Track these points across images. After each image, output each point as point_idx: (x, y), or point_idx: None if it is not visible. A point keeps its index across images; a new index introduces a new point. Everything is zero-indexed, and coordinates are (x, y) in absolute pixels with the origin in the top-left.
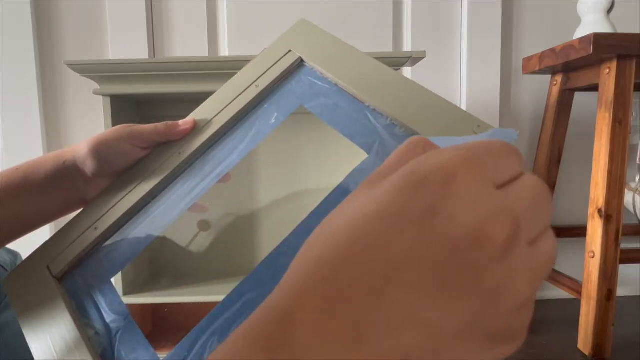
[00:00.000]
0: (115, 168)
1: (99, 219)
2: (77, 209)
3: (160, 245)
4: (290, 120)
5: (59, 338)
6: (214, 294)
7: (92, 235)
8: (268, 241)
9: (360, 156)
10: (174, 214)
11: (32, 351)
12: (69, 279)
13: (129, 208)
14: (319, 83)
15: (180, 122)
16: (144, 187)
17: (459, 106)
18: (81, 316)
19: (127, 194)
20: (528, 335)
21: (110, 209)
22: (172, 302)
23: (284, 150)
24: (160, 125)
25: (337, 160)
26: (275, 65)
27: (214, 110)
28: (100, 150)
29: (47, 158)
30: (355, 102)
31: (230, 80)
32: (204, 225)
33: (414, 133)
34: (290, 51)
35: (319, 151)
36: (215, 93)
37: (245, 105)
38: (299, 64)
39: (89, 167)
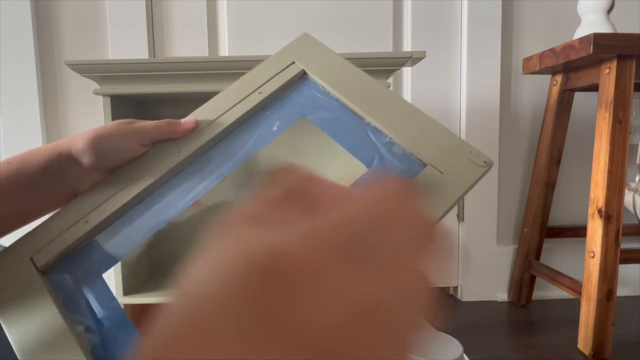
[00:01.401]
0: (112, 164)
1: (90, 212)
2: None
3: (159, 245)
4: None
5: (44, 334)
6: None
7: (82, 228)
8: None
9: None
10: (171, 213)
11: (13, 347)
12: (55, 272)
13: (124, 203)
14: (321, 97)
15: (182, 120)
16: (140, 184)
17: (455, 133)
18: (69, 312)
19: (121, 189)
20: (528, 335)
21: (103, 202)
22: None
23: (285, 153)
24: (162, 122)
25: (338, 162)
26: (278, 75)
27: (215, 112)
28: (102, 144)
29: (40, 150)
30: (356, 118)
31: (231, 85)
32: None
33: (411, 153)
34: (294, 62)
35: (320, 154)
36: (217, 96)
37: (248, 111)
38: (302, 76)
39: (85, 159)
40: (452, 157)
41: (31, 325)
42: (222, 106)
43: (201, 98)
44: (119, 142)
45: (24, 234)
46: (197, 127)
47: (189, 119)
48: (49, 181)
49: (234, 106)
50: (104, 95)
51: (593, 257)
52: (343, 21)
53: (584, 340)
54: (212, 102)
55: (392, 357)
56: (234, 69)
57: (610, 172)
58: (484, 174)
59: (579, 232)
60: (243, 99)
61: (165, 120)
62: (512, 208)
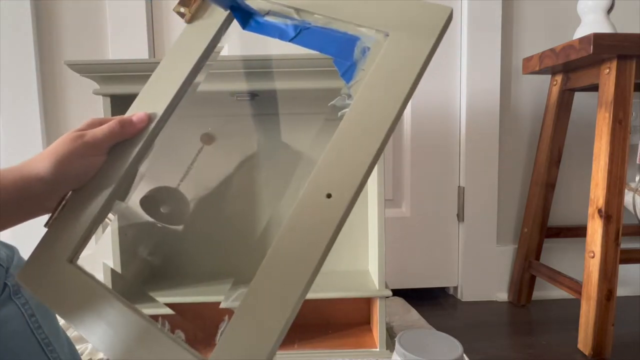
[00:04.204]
0: (77, 182)
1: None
2: (40, 216)
3: (159, 245)
4: (290, 121)
5: (128, 332)
6: (213, 294)
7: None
8: (268, 241)
9: None
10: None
11: (105, 352)
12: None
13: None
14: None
15: (134, 118)
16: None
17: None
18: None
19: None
20: (528, 335)
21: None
22: (171, 302)
23: (285, 153)
24: (114, 125)
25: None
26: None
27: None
28: (63, 169)
29: (4, 175)
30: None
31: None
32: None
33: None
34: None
35: (321, 154)
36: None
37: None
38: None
39: (51, 184)
40: (410, 18)
41: (112, 327)
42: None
43: (200, 97)
44: (79, 163)
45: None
46: (149, 121)
47: (141, 116)
48: (20, 204)
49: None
50: (104, 95)
51: (593, 257)
52: None
53: (584, 340)
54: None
55: None
56: (234, 68)
57: (610, 172)
58: (447, 23)
59: (579, 232)
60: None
61: (117, 120)
62: (512, 208)
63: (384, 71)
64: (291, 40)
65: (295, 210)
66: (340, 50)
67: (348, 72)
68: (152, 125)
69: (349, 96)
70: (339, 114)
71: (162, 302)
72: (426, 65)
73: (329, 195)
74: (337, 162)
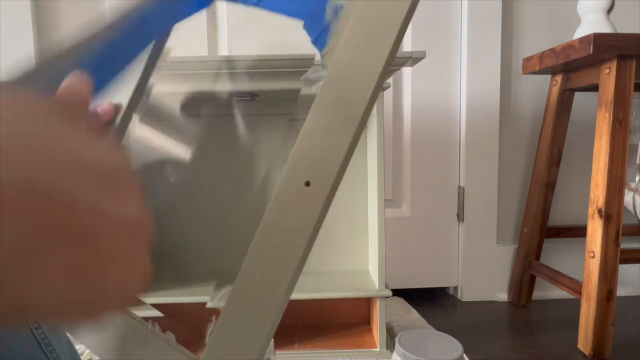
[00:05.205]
0: None
1: None
2: None
3: (158, 245)
4: (290, 122)
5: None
6: (205, 295)
7: None
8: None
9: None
10: None
11: (98, 354)
12: None
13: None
14: None
15: (99, 110)
16: None
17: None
18: None
19: None
20: (528, 335)
21: None
22: (171, 302)
23: (284, 154)
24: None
25: None
26: None
27: None
28: None
29: None
30: None
31: None
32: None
33: None
34: None
35: None
36: None
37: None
38: None
39: None
40: None
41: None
42: None
43: (201, 98)
44: None
45: None
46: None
47: (104, 106)
48: None
49: None
50: None
51: (593, 257)
52: None
53: (584, 340)
54: None
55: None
56: (234, 68)
57: (610, 172)
58: None
59: (579, 232)
60: None
61: None
62: (512, 208)
63: (360, 32)
64: (256, 4)
65: (273, 201)
66: (310, 12)
67: (320, 37)
68: (120, 115)
69: (323, 67)
70: (314, 87)
71: (152, 302)
72: (407, 20)
73: (307, 183)
74: (314, 145)
